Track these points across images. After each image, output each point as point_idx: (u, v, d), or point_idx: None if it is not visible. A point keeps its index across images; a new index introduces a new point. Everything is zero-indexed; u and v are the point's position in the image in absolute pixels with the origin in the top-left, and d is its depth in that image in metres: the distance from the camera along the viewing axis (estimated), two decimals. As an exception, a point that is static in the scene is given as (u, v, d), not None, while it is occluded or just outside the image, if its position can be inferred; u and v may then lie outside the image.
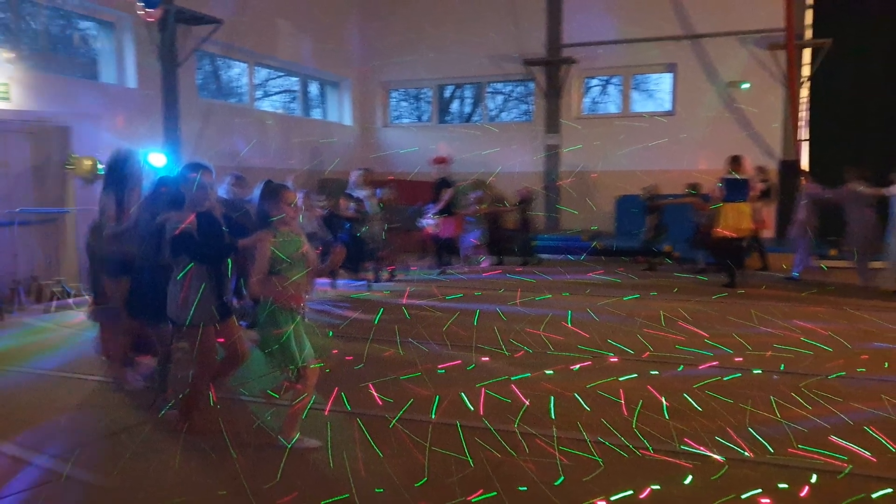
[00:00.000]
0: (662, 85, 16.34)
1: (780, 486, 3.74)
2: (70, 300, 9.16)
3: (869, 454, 4.12)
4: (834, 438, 4.33)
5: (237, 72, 15.54)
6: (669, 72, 15.85)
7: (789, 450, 4.21)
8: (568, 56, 16.03)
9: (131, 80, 12.17)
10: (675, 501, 3.66)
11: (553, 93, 16.28)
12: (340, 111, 18.09)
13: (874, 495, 3.62)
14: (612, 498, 3.63)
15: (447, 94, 18.84)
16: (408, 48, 17.26)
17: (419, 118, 18.86)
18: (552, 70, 16.22)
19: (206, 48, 13.59)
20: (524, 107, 17.87)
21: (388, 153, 17.76)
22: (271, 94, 17.09)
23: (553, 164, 16.31)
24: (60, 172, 10.55)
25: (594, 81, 17.28)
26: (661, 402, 5.04)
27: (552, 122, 16.43)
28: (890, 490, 3.68)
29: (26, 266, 9.44)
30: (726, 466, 4.00)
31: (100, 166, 10.35)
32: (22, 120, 9.82)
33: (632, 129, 15.23)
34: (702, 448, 4.23)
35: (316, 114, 18.19)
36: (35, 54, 10.92)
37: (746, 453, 4.16)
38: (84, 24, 12.22)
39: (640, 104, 16.72)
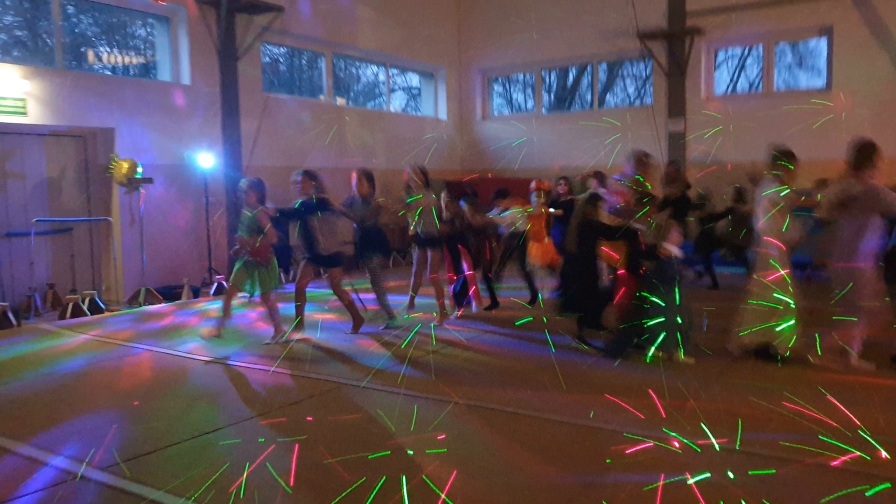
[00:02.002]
0: (815, 54, 13.03)
1: None
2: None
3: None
4: None
5: (307, 63, 13.90)
6: (824, 36, 12.53)
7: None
8: (693, 26, 13.11)
9: (186, 77, 10.78)
10: None
11: (676, 71, 13.43)
12: (436, 104, 16.06)
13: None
14: None
15: (551, 79, 16.33)
16: (507, 30, 15.06)
17: (520, 108, 16.52)
18: (674, 44, 13.37)
19: (274, 39, 12.04)
20: (642, 88, 15.06)
21: (488, 147, 15.64)
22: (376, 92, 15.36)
23: (678, 154, 13.44)
24: (104, 177, 9.90)
25: (723, 55, 14.17)
26: None
27: (675, 106, 13.59)
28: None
29: (42, 274, 9.46)
30: None
31: (139, 169, 9.23)
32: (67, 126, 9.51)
33: (776, 111, 12.10)
34: None
35: (409, 108, 16.36)
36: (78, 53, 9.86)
37: None
38: (138, 21, 10.98)
39: (786, 79, 13.47)
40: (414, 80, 16.41)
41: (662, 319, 5.90)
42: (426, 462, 3.95)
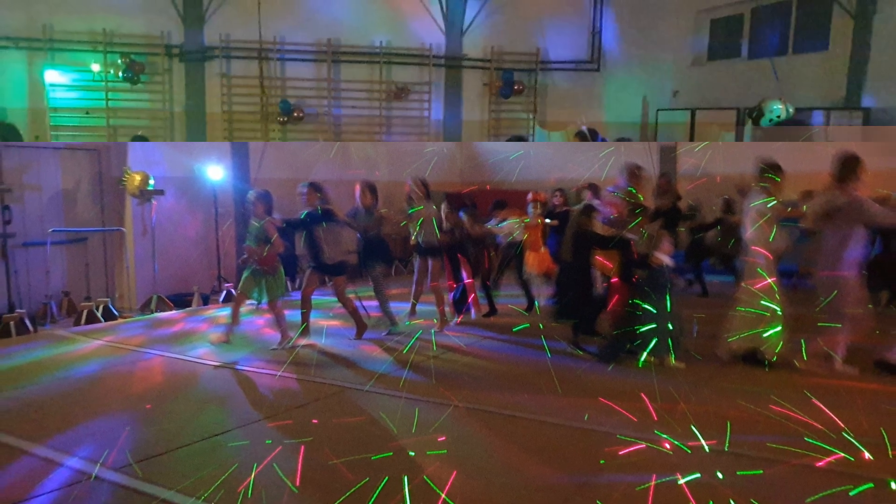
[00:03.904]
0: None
1: None
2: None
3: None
4: None
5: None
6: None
7: None
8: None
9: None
10: None
11: (667, 87, 13.47)
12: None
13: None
14: None
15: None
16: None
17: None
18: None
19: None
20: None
21: (486, 161, 15.66)
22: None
23: (669, 166, 13.46)
24: (117, 189, 9.92)
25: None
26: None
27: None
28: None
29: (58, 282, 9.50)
30: None
31: (151, 181, 9.26)
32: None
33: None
34: None
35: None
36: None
37: None
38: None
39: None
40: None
41: (654, 326, 5.92)
42: (427, 463, 3.96)
